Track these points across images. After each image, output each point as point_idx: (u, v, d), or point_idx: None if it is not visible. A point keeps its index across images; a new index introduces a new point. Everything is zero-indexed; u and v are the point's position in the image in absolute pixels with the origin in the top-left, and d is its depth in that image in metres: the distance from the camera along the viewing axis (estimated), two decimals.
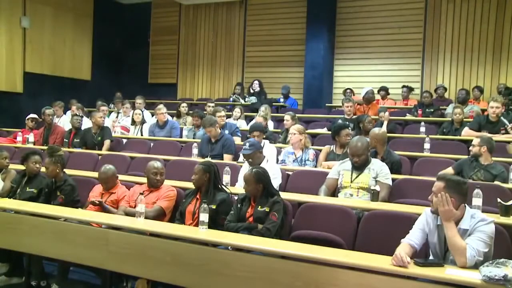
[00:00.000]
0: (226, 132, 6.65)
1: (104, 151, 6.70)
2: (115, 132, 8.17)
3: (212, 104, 8.52)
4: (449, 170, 4.79)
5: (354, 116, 7.56)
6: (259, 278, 3.13)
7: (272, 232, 3.65)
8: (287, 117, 6.75)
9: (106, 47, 12.23)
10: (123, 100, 9.41)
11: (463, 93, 8.34)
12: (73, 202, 4.60)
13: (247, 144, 4.75)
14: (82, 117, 7.63)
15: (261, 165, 4.38)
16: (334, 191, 4.56)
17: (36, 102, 10.03)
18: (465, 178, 4.57)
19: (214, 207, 3.95)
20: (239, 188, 4.71)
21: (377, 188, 4.19)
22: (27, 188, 4.79)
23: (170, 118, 7.93)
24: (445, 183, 2.94)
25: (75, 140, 7.23)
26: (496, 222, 3.07)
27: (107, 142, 6.88)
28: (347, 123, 6.51)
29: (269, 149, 5.70)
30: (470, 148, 4.86)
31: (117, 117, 8.55)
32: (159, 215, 4.18)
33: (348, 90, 9.60)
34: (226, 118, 7.49)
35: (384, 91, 9.48)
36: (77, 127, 7.35)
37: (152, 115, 8.85)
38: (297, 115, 7.67)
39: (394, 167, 4.91)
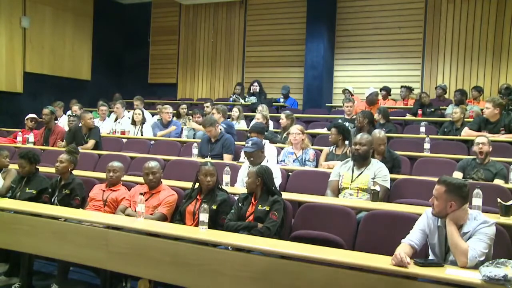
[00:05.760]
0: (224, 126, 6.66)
1: (93, 151, 6.67)
2: (116, 132, 8.17)
3: (208, 104, 8.52)
4: (457, 175, 4.69)
5: (354, 116, 7.55)
6: (259, 278, 3.13)
7: (272, 231, 3.66)
8: (282, 115, 6.77)
9: (106, 47, 12.24)
10: (122, 100, 9.41)
11: (457, 94, 8.35)
12: (82, 200, 4.67)
13: (250, 142, 4.75)
14: (76, 116, 7.63)
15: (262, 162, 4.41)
16: (338, 193, 4.57)
17: (36, 102, 10.06)
18: (466, 177, 4.60)
19: (214, 207, 3.96)
20: (239, 188, 4.72)
21: (377, 188, 4.19)
22: (27, 188, 4.79)
23: (174, 118, 8.06)
24: (446, 187, 2.94)
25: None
26: (496, 222, 3.07)
27: (91, 142, 6.88)
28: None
29: (269, 149, 5.69)
30: (474, 148, 4.85)
31: (116, 118, 8.53)
32: (162, 221, 4.17)
33: (346, 91, 9.61)
34: (227, 118, 7.51)
35: (386, 91, 9.49)
36: (70, 128, 7.34)
37: (152, 115, 8.87)
38: (297, 115, 7.68)
39: (396, 164, 5.03)
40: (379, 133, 5.07)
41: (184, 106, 8.75)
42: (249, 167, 4.56)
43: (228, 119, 7.64)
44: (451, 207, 2.92)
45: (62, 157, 4.76)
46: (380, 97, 9.44)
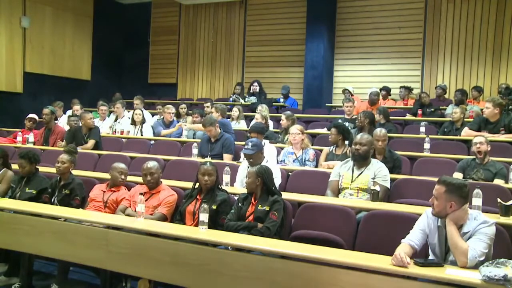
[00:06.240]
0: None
1: (93, 151, 6.66)
2: (115, 132, 8.18)
3: (208, 104, 8.52)
4: (457, 175, 4.69)
5: (355, 116, 7.56)
6: (259, 278, 3.13)
7: (272, 231, 3.66)
8: (282, 116, 6.76)
9: (106, 47, 12.23)
10: (122, 100, 9.41)
11: (458, 94, 8.35)
12: (82, 200, 4.66)
13: (250, 144, 4.73)
14: (78, 116, 7.62)
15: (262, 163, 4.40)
16: (338, 193, 4.57)
17: (36, 102, 10.06)
18: (466, 177, 4.60)
19: (214, 207, 3.96)
20: (238, 188, 4.72)
21: (377, 188, 4.19)
22: (27, 188, 4.78)
23: (175, 118, 8.07)
24: (445, 187, 2.94)
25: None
26: (496, 222, 3.07)
27: (91, 142, 6.89)
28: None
29: (269, 149, 5.69)
30: (472, 148, 4.85)
31: (116, 118, 8.53)
32: (162, 221, 4.17)
33: (346, 91, 9.61)
34: (227, 118, 7.51)
35: (386, 91, 9.49)
36: (71, 127, 7.33)
37: (152, 115, 8.87)
38: (297, 115, 7.66)
39: (397, 164, 5.04)
40: (380, 131, 5.10)
41: (184, 106, 8.76)
42: (247, 167, 4.57)
43: (228, 119, 7.64)
44: (451, 207, 2.92)
45: (62, 157, 4.75)
46: (380, 97, 9.45)
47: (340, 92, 10.18)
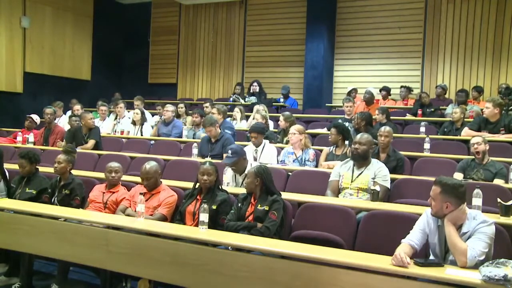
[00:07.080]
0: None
1: (93, 151, 6.66)
2: (116, 132, 8.18)
3: (208, 104, 8.51)
4: (458, 176, 4.70)
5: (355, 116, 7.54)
6: (259, 278, 3.13)
7: (272, 231, 3.66)
8: (280, 118, 6.74)
9: (106, 47, 12.24)
10: (122, 100, 9.41)
11: (461, 95, 8.34)
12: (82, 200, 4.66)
13: (230, 151, 4.67)
14: (78, 116, 7.61)
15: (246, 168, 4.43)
16: (338, 193, 4.57)
17: (36, 102, 10.07)
18: (466, 178, 4.60)
19: (214, 207, 3.96)
20: (233, 188, 4.69)
21: (377, 188, 4.20)
22: (27, 188, 4.78)
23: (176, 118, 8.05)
24: (441, 187, 2.94)
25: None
26: (496, 222, 3.07)
27: (91, 142, 6.88)
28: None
29: (269, 149, 5.69)
30: (472, 149, 4.85)
31: (116, 118, 8.54)
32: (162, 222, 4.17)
33: (353, 90, 9.59)
34: (227, 118, 7.50)
35: (386, 91, 9.48)
36: (71, 127, 7.34)
37: (152, 115, 8.87)
38: (297, 115, 7.64)
39: (400, 164, 5.05)
40: (384, 128, 5.13)
41: (182, 105, 8.75)
42: (233, 174, 4.61)
43: (228, 119, 7.63)
44: (447, 207, 2.92)
45: (59, 157, 4.75)
46: (380, 97, 9.46)
47: (340, 92, 10.18)
